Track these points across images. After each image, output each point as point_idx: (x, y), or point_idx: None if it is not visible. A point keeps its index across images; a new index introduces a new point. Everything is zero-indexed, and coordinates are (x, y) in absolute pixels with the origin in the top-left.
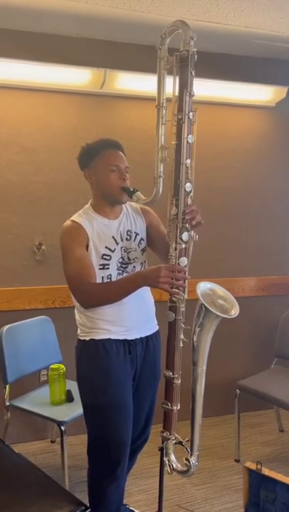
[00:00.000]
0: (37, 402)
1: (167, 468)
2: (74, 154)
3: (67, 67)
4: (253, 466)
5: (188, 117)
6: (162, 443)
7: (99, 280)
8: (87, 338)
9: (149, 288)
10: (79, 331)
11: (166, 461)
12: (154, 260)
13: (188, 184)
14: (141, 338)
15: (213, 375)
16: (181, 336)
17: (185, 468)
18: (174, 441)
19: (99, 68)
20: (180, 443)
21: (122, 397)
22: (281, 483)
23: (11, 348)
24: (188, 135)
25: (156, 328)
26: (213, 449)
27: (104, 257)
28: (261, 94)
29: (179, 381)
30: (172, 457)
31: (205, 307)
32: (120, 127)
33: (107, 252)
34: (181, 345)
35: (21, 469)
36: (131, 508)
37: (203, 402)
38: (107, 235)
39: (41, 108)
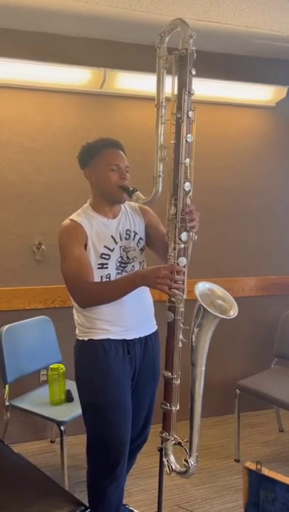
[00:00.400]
0: (36, 402)
1: (166, 469)
2: (74, 154)
3: (67, 67)
4: (252, 466)
5: (188, 116)
6: (161, 444)
7: (98, 279)
8: (85, 339)
9: (148, 288)
10: (77, 331)
11: (166, 462)
12: (153, 260)
13: (187, 184)
14: (140, 338)
15: (213, 375)
16: (180, 337)
17: (184, 469)
18: (173, 442)
19: (99, 68)
20: (179, 444)
21: (120, 396)
22: (281, 483)
23: (10, 348)
24: (187, 134)
25: (155, 328)
26: (213, 449)
27: (103, 256)
28: (261, 94)
29: (178, 381)
30: (171, 458)
31: (203, 308)
32: (120, 127)
33: (106, 251)
34: (180, 345)
35: (21, 469)
36: (130, 508)
37: (203, 402)
38: (106, 234)
39: (41, 108)
